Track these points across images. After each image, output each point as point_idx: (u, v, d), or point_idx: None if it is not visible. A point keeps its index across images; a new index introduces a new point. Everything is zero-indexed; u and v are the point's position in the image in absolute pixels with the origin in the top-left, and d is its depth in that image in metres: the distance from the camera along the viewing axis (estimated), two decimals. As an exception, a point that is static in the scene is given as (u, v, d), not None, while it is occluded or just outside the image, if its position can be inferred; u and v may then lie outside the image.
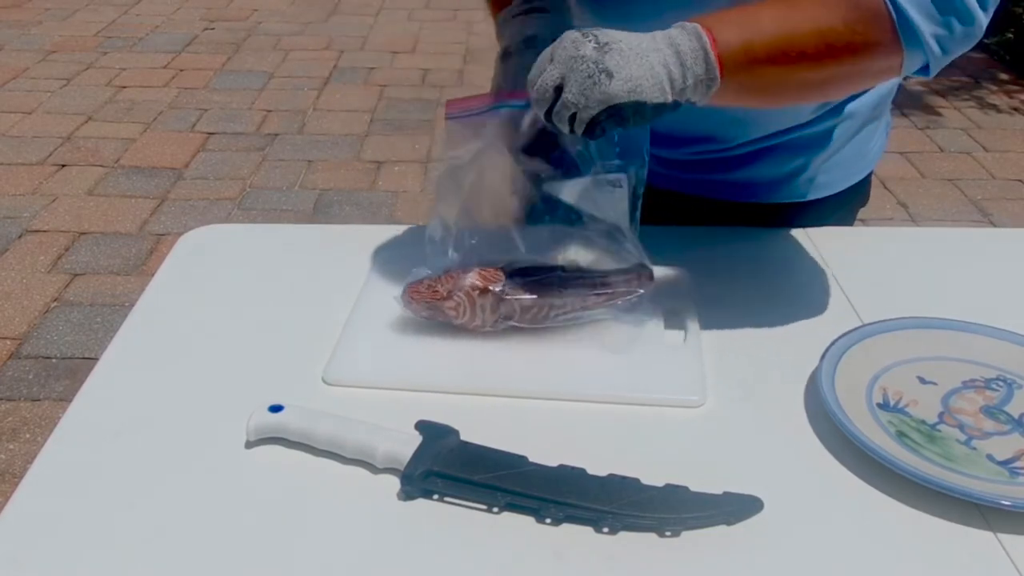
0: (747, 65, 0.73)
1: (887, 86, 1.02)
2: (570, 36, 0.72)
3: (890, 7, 0.71)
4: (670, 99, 0.72)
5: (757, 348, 0.85)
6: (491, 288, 0.82)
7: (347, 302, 0.90)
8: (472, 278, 0.83)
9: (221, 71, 4.30)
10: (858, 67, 0.75)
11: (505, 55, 0.88)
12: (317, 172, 3.27)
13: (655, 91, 0.71)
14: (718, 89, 0.72)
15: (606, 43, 0.71)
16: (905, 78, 0.82)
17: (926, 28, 0.72)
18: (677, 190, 0.90)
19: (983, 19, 0.73)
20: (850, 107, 1.00)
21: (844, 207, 1.10)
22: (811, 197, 1.06)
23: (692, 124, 0.99)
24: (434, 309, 0.83)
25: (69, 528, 0.65)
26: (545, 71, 0.72)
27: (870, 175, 1.11)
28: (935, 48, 0.73)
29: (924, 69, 0.75)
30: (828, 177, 1.06)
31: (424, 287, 0.83)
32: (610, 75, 0.70)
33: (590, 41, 0.71)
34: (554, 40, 0.75)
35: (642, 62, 0.71)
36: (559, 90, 0.72)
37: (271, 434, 0.72)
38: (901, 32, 0.72)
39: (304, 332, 0.87)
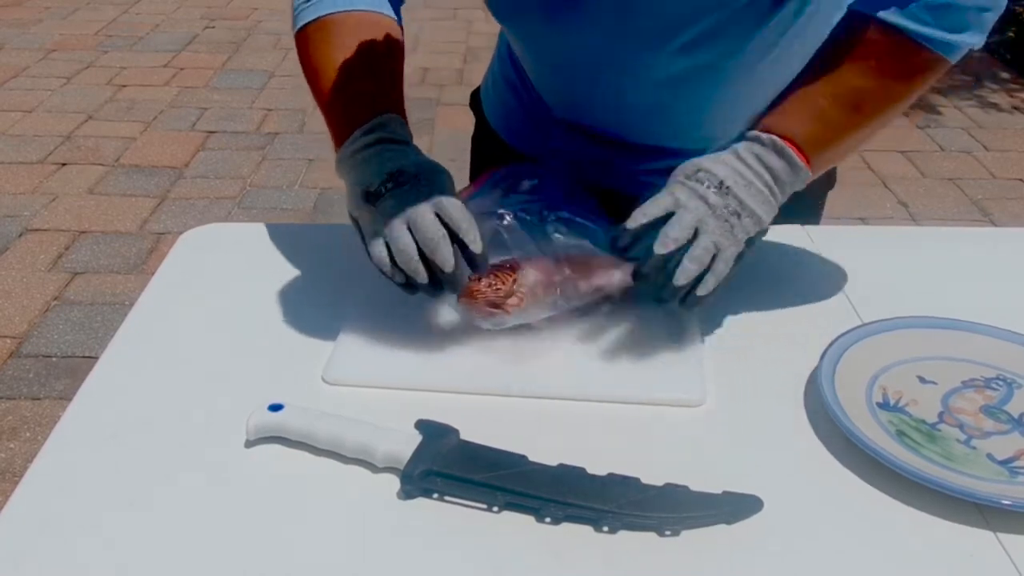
0: (827, 147, 0.83)
1: None
2: (691, 186, 0.79)
3: (925, 44, 0.81)
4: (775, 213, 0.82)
5: (757, 348, 0.85)
6: (555, 278, 0.81)
7: (347, 302, 0.90)
8: (533, 274, 0.81)
9: (221, 70, 4.30)
10: (919, 92, 0.87)
11: (370, 196, 0.79)
12: (317, 171, 3.27)
13: (769, 215, 0.81)
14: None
15: (721, 183, 0.79)
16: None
17: (959, 38, 0.81)
18: None
19: None
20: None
21: (814, 192, 1.10)
22: None
23: (682, 141, 1.01)
24: (496, 308, 0.81)
25: (69, 527, 0.65)
26: (680, 222, 0.78)
27: None
28: (972, 40, 0.82)
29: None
30: None
31: (484, 286, 0.80)
32: (738, 215, 0.78)
33: (712, 189, 0.79)
34: (418, 173, 0.79)
35: (754, 192, 0.80)
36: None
37: (271, 433, 0.72)
38: (943, 52, 0.82)
39: (304, 332, 0.87)
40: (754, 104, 0.89)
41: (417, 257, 0.76)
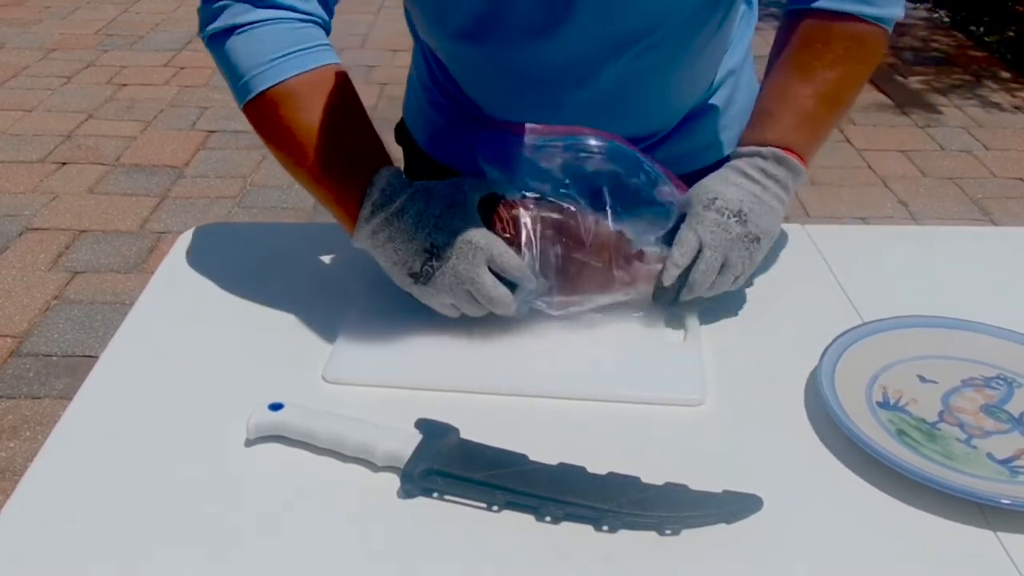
0: (818, 143, 0.89)
1: (748, 37, 1.06)
2: (713, 220, 0.83)
3: (877, 23, 0.86)
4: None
5: (757, 347, 0.85)
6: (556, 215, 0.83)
7: (347, 301, 0.90)
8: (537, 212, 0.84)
9: (221, 69, 4.30)
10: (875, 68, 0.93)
11: (419, 276, 0.81)
12: (317, 170, 3.26)
13: (779, 226, 0.86)
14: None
15: (739, 211, 0.83)
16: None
17: (896, 10, 0.87)
18: None
19: None
20: (731, 64, 1.03)
21: None
22: (727, 152, 1.05)
23: (638, 128, 1.01)
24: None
25: (69, 526, 0.65)
26: (707, 270, 0.82)
27: None
28: (901, 10, 0.88)
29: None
30: (734, 132, 1.05)
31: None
32: (757, 240, 0.84)
33: (732, 219, 0.83)
34: (448, 239, 0.79)
35: (767, 210, 0.84)
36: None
37: (271, 432, 0.72)
38: (888, 26, 0.88)
39: (304, 331, 0.87)
40: (707, 78, 0.95)
41: (485, 314, 0.82)
